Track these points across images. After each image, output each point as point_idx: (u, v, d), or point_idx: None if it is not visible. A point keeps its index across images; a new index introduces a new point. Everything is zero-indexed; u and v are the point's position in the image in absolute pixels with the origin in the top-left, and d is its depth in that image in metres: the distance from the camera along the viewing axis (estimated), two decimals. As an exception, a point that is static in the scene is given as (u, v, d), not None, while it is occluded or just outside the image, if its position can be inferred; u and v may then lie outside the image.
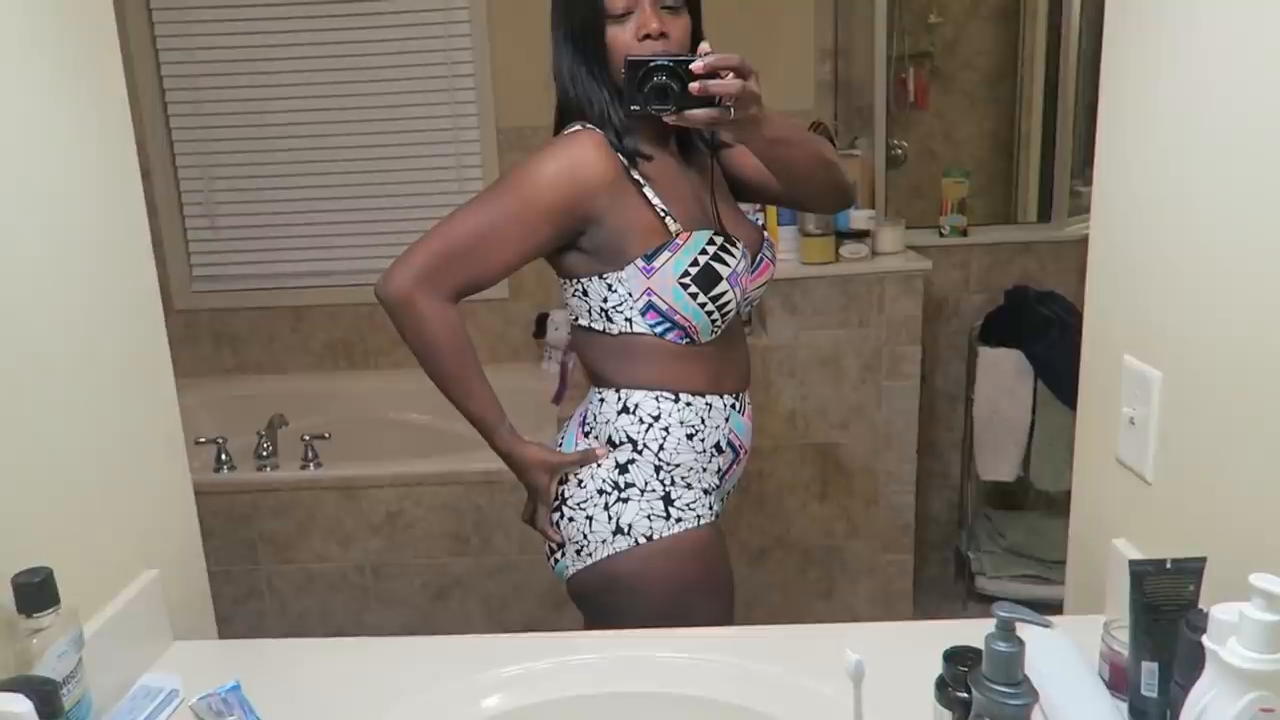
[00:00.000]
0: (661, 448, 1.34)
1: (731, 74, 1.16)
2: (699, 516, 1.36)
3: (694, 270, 1.28)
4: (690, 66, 1.16)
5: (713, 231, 1.32)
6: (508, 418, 1.37)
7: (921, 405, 2.60)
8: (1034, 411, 2.65)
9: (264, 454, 2.65)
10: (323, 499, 2.49)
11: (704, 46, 1.23)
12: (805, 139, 1.39)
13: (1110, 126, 1.14)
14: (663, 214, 1.30)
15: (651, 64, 1.18)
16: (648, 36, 1.26)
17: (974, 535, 2.88)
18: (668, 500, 1.34)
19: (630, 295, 1.31)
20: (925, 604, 2.79)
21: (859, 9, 2.84)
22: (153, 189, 2.97)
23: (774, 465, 2.58)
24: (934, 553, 3.02)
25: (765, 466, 2.56)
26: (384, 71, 2.95)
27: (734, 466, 1.43)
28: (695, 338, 1.33)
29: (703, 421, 1.36)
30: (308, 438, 2.63)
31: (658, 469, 1.34)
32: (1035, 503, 2.97)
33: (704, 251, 1.29)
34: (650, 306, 1.31)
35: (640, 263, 1.29)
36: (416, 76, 2.96)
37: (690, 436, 1.35)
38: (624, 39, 1.27)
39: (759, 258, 1.44)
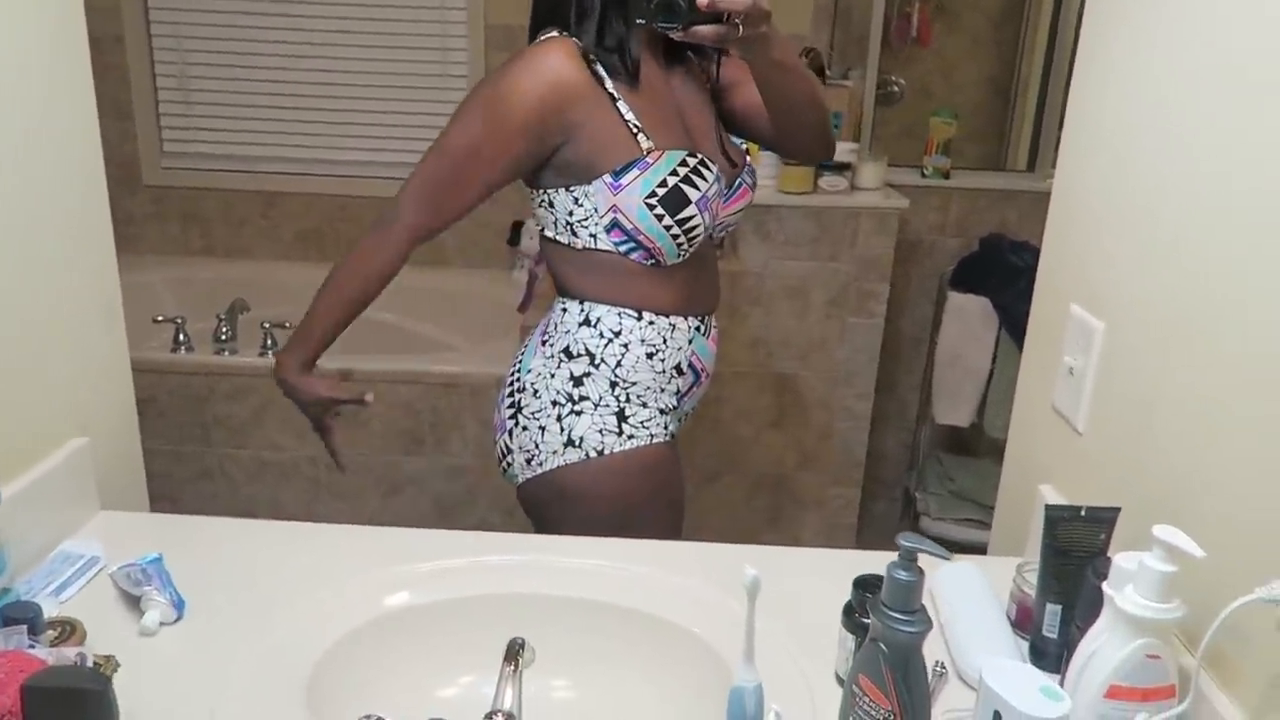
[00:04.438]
0: (619, 364, 1.34)
1: None
2: (652, 435, 1.36)
3: (661, 191, 1.26)
4: None
5: (686, 153, 1.28)
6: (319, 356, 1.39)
7: (884, 344, 2.61)
8: (995, 360, 2.66)
9: (222, 337, 2.62)
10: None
11: None
12: (807, 74, 1.37)
13: (1084, 74, 1.12)
14: (635, 130, 1.27)
15: None
16: None
17: (923, 476, 2.92)
18: (621, 416, 1.34)
19: (596, 211, 1.29)
20: (869, 539, 2.84)
21: (865, -66, 2.76)
22: (124, 54, 2.88)
23: (732, 391, 2.59)
24: (883, 490, 3.07)
25: (724, 392, 2.57)
26: (371, -45, 2.85)
27: (694, 389, 1.43)
28: (660, 260, 1.31)
29: (665, 342, 1.35)
30: (268, 325, 2.60)
31: (613, 384, 1.34)
32: (988, 450, 3.00)
33: (674, 173, 1.26)
34: (615, 224, 1.29)
35: (608, 179, 1.27)
36: (404, -36, 2.86)
37: (650, 356, 1.35)
38: None
39: (738, 182, 1.41)
